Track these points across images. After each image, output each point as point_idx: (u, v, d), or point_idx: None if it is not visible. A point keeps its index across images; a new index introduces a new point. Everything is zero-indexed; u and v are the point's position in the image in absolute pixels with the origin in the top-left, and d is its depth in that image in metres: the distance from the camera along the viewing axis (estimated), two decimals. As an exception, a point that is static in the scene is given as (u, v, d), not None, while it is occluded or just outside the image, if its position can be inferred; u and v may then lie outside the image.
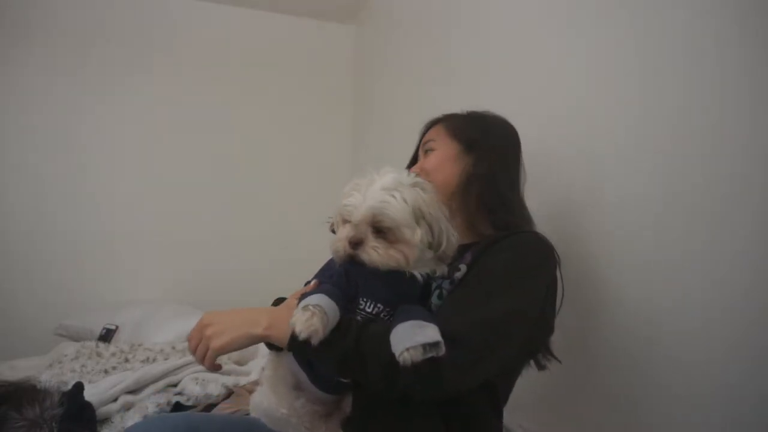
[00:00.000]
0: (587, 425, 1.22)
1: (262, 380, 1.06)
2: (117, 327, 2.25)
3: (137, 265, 2.73)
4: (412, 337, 0.78)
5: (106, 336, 2.21)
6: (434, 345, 0.78)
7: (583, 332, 1.22)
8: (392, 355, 0.78)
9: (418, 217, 0.90)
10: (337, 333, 0.83)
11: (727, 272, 0.91)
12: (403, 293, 0.90)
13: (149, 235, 2.74)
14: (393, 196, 0.88)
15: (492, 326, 0.86)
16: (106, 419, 1.47)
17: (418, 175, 1.11)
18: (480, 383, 0.89)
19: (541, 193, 1.35)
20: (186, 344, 2.17)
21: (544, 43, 1.43)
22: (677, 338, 1.00)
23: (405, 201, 0.89)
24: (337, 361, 0.85)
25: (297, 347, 0.86)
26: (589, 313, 1.21)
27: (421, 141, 1.23)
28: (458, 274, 0.97)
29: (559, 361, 1.08)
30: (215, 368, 0.94)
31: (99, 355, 1.89)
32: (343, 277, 0.91)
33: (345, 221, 0.91)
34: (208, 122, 2.86)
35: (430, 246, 0.92)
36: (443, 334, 0.79)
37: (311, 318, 0.80)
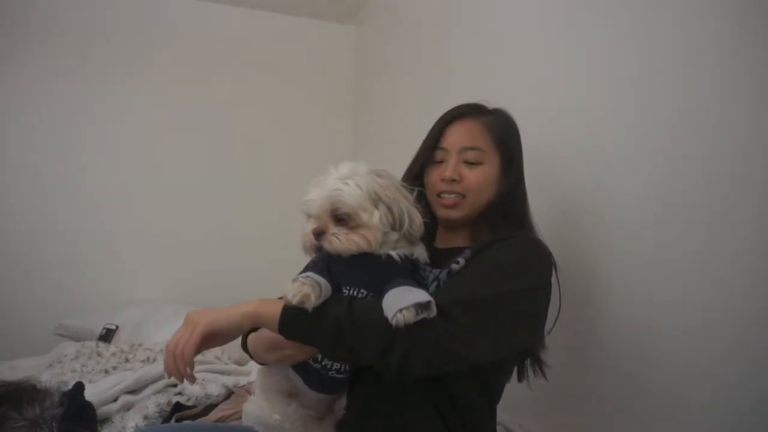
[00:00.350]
0: (587, 425, 1.22)
1: (253, 389, 1.07)
2: (117, 327, 2.25)
3: (137, 265, 2.73)
4: (403, 300, 0.80)
5: (106, 336, 2.21)
6: (425, 305, 0.80)
7: (582, 332, 1.22)
8: (386, 322, 0.80)
9: (375, 200, 0.93)
10: (330, 301, 0.86)
11: (727, 272, 0.91)
12: (385, 275, 0.92)
13: (149, 235, 2.74)
14: (347, 184, 0.92)
15: (478, 306, 0.86)
16: (106, 419, 1.47)
17: (455, 181, 1.06)
18: (473, 360, 0.88)
19: (541, 193, 1.35)
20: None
21: (544, 42, 1.43)
22: (677, 338, 1.00)
23: (359, 187, 0.92)
24: (331, 332, 0.84)
25: (289, 321, 0.86)
26: (589, 313, 1.21)
27: (443, 130, 1.10)
28: (456, 267, 0.98)
29: (546, 379, 1.09)
30: (190, 374, 0.88)
31: (99, 355, 1.89)
32: (325, 271, 0.93)
33: (309, 216, 0.95)
34: (208, 122, 2.86)
35: (393, 227, 0.94)
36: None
37: (302, 286, 0.84)
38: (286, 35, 3.04)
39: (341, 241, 0.90)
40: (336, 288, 0.92)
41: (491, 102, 1.17)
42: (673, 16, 1.03)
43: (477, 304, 0.86)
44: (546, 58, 1.42)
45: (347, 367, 0.97)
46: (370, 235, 0.91)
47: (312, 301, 0.83)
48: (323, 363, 0.96)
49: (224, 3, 2.89)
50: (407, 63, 2.41)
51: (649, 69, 1.08)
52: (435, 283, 0.99)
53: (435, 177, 1.10)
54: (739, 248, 0.89)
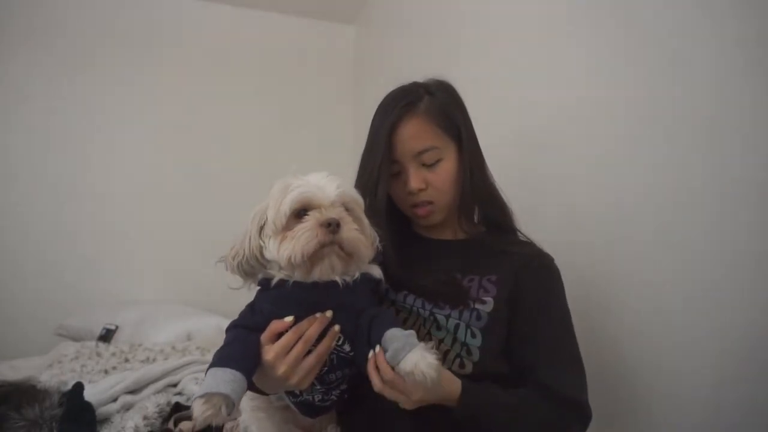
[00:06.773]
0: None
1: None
2: (117, 327, 2.24)
3: (137, 265, 2.73)
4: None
5: (106, 336, 2.20)
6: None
7: (583, 336, 1.22)
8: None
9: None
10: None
11: (728, 272, 0.91)
12: (324, 301, 0.83)
13: (149, 235, 2.74)
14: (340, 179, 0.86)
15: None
16: (105, 419, 1.46)
17: (423, 191, 1.01)
18: None
19: (541, 194, 1.35)
20: (186, 344, 2.15)
21: (545, 42, 1.43)
22: (678, 340, 1.00)
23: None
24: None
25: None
26: (589, 315, 1.20)
27: (389, 142, 1.01)
28: (485, 308, 0.94)
29: None
30: None
31: (99, 355, 1.89)
32: (248, 311, 0.88)
33: (303, 210, 0.83)
34: (208, 122, 2.86)
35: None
36: (575, 400, 0.91)
37: (206, 405, 0.72)
38: (286, 35, 3.04)
39: (359, 234, 0.81)
40: (260, 328, 0.84)
41: (491, 102, 1.16)
42: (674, 16, 1.03)
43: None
44: (546, 57, 1.41)
45: (333, 396, 0.94)
46: (367, 231, 0.86)
47: (221, 417, 0.72)
48: (305, 396, 0.93)
49: (225, 3, 2.90)
50: (407, 63, 2.41)
51: (650, 69, 1.08)
52: (468, 331, 0.92)
53: (400, 191, 1.04)
54: (740, 248, 0.89)
